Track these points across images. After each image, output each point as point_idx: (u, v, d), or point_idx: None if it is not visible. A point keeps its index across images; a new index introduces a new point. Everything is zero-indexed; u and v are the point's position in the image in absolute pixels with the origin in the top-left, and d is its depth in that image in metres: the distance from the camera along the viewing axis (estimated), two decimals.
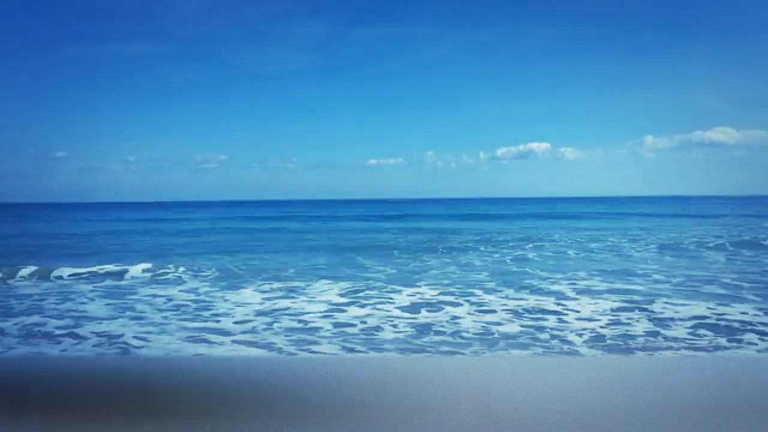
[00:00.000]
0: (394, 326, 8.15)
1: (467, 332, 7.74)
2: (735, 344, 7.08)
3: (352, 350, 7.10)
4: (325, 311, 9.18)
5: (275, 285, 11.79)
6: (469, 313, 8.85)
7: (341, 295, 10.49)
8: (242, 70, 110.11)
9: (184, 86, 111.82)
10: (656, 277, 12.41)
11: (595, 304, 9.34)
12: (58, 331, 8.11)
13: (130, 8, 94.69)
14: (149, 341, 7.58)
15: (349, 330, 8.00)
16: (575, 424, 1.36)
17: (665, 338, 7.31)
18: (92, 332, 8.01)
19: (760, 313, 8.54)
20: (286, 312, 9.20)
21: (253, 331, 8.06)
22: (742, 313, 8.55)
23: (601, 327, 7.85)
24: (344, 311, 9.18)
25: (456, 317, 8.63)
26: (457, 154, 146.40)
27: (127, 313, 9.32)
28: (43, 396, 1.56)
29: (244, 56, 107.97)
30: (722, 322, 7.99)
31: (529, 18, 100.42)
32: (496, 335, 7.58)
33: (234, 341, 7.54)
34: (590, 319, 8.29)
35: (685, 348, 6.92)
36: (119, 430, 1.40)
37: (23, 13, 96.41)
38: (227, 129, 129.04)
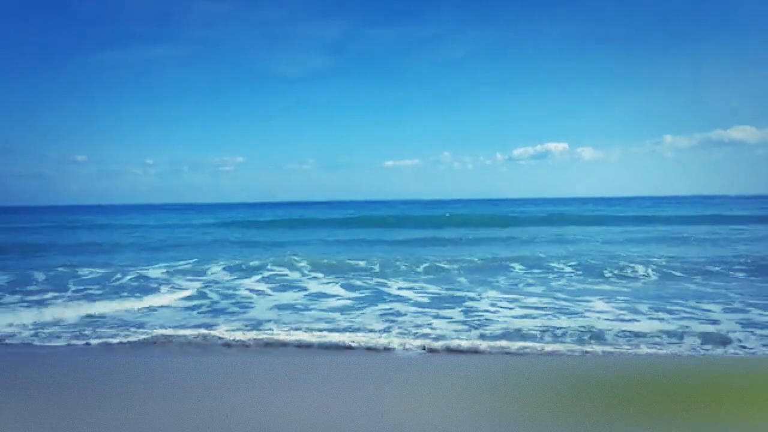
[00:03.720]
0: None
1: None
2: None
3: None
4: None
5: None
6: None
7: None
8: (258, 72, 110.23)
9: (201, 89, 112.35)
10: None
11: None
12: None
13: (147, 12, 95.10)
14: None
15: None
16: (575, 421, 1.37)
17: None
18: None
19: None
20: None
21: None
22: None
23: None
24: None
25: None
26: (473, 155, 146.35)
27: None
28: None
29: (260, 58, 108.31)
30: None
31: (545, 16, 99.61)
32: None
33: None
34: None
35: None
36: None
37: (43, 19, 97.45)
38: (244, 131, 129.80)
